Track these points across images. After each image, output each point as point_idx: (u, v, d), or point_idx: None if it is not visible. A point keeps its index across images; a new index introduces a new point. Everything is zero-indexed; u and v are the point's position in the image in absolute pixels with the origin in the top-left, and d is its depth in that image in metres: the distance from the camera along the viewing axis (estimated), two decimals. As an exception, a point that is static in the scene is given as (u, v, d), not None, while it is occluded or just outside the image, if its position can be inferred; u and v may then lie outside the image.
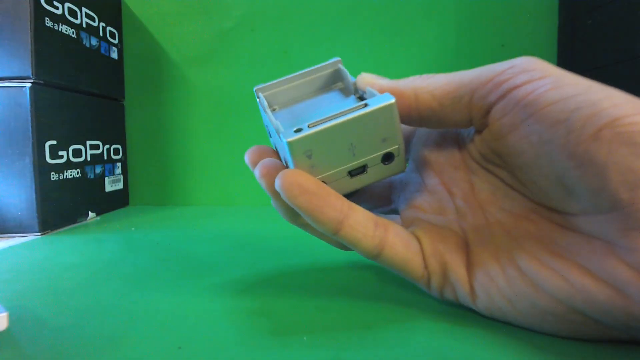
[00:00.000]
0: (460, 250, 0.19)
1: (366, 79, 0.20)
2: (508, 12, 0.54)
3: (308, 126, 0.17)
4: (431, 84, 0.18)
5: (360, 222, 0.18)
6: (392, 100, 0.17)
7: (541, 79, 0.15)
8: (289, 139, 0.17)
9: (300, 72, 0.22)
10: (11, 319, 0.19)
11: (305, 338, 0.17)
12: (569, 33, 0.52)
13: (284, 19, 0.56)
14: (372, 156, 0.18)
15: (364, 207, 0.19)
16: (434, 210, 0.20)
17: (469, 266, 0.18)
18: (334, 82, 0.23)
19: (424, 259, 0.19)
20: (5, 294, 0.23)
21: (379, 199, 0.24)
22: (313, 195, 0.17)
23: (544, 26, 0.54)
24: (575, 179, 0.14)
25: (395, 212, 0.23)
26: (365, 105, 0.17)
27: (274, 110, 0.23)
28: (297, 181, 0.17)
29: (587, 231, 0.15)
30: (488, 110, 0.17)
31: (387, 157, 0.19)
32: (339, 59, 0.22)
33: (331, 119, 0.17)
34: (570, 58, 0.52)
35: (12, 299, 0.22)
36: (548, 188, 0.16)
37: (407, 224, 0.21)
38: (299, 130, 0.17)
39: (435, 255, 0.19)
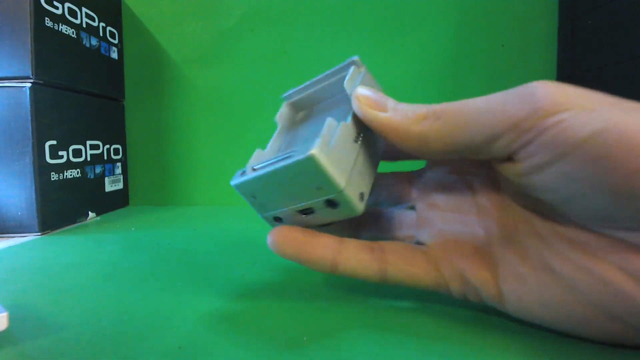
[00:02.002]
0: (478, 253, 0.18)
1: (360, 99, 0.18)
2: (508, 12, 0.54)
3: (252, 169, 0.18)
4: (442, 130, 0.16)
5: (354, 254, 0.18)
6: (310, 153, 0.15)
7: (568, 114, 0.13)
8: (233, 182, 0.19)
9: (326, 73, 0.22)
10: (11, 319, 0.19)
11: (305, 338, 0.17)
12: (569, 33, 0.52)
13: (284, 19, 0.56)
14: (312, 202, 0.17)
15: (384, 204, 0.20)
16: (452, 207, 0.19)
17: (494, 267, 0.17)
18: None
19: (436, 267, 0.18)
20: (5, 294, 0.23)
21: (398, 195, 0.23)
22: (299, 242, 0.18)
23: (544, 26, 0.54)
24: (616, 210, 0.13)
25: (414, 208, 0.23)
26: (289, 156, 0.16)
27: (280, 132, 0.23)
28: (281, 234, 0.18)
29: (622, 237, 0.14)
30: (510, 155, 0.15)
31: (330, 204, 0.17)
32: (356, 57, 0.20)
33: (268, 166, 0.17)
34: (570, 58, 0.52)
35: (12, 299, 0.22)
36: (580, 215, 0.15)
37: (421, 224, 0.20)
38: (244, 174, 0.18)
39: (449, 261, 0.18)
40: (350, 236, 0.20)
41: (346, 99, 0.20)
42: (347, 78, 0.19)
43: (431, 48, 0.55)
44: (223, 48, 0.57)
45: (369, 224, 0.23)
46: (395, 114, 0.17)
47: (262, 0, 0.56)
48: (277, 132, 0.23)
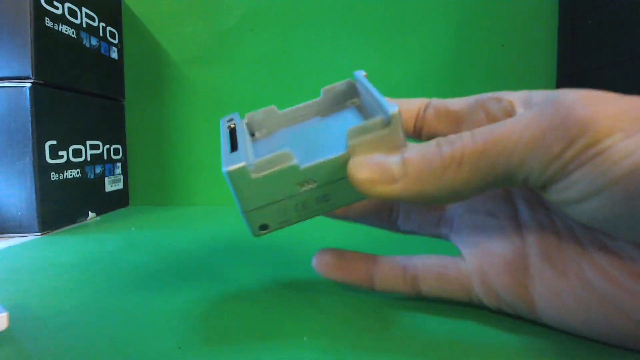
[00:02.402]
0: (514, 268, 0.17)
1: (362, 183, 0.15)
2: (508, 12, 0.54)
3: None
4: (469, 178, 0.14)
5: (387, 277, 0.20)
6: (226, 169, 0.15)
7: (610, 140, 0.12)
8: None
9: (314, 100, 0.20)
10: (11, 319, 0.19)
11: (305, 338, 0.17)
12: (569, 33, 0.52)
13: (284, 19, 0.56)
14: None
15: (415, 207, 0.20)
16: (490, 213, 0.18)
17: (530, 282, 0.16)
18: (351, 97, 0.20)
19: (470, 284, 0.18)
20: (5, 294, 0.23)
21: None
22: (337, 267, 0.20)
23: (544, 26, 0.54)
24: None
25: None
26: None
27: (254, 137, 0.20)
28: (322, 259, 0.20)
29: None
30: (545, 185, 0.14)
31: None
32: (362, 72, 0.19)
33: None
34: (570, 58, 0.52)
35: (12, 299, 0.22)
36: (626, 236, 0.14)
37: (458, 226, 0.20)
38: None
39: (484, 279, 0.18)
40: (387, 228, 0.22)
41: (342, 111, 0.19)
42: (363, 85, 0.18)
43: (431, 48, 0.55)
44: (223, 48, 0.57)
45: (406, 216, 0.22)
46: (408, 181, 0.15)
47: (262, 0, 0.56)
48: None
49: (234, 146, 0.17)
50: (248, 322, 0.19)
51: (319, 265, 0.20)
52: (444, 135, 0.18)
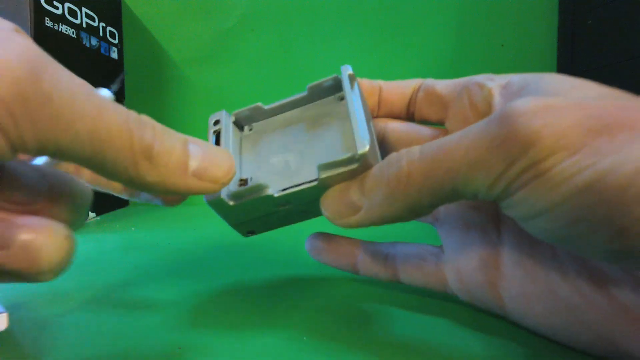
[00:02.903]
0: (488, 266, 0.17)
1: (330, 217, 0.17)
2: (508, 12, 0.54)
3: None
4: (418, 196, 0.14)
5: (371, 262, 0.21)
6: (210, 198, 0.17)
7: (554, 159, 0.11)
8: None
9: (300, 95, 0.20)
10: (11, 319, 0.19)
11: (305, 338, 0.17)
12: (569, 33, 0.52)
13: (284, 19, 0.56)
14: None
15: None
16: (474, 205, 0.18)
17: (501, 282, 0.17)
18: (337, 91, 0.20)
19: (445, 277, 0.19)
20: (5, 294, 0.23)
21: None
22: (326, 251, 0.22)
23: (544, 26, 0.54)
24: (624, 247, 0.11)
25: None
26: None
27: (243, 132, 0.21)
28: (313, 243, 0.22)
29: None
30: (496, 201, 0.14)
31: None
32: (349, 68, 0.19)
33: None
34: (570, 58, 0.52)
35: (12, 299, 0.22)
36: (582, 252, 0.13)
37: (443, 219, 0.20)
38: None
39: (460, 276, 0.18)
40: None
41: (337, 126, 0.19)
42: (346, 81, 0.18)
43: (431, 48, 0.55)
44: (223, 48, 0.57)
45: None
46: (368, 209, 0.15)
47: (262, 0, 0.56)
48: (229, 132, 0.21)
49: None
50: (248, 321, 0.19)
51: (310, 249, 0.22)
52: (433, 121, 0.19)
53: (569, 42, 0.52)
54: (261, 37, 0.57)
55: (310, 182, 0.17)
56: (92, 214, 0.48)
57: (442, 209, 0.20)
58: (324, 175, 0.16)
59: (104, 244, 0.35)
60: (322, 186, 0.16)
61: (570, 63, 0.52)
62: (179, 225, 0.44)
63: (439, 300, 0.21)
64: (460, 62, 0.55)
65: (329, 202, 0.16)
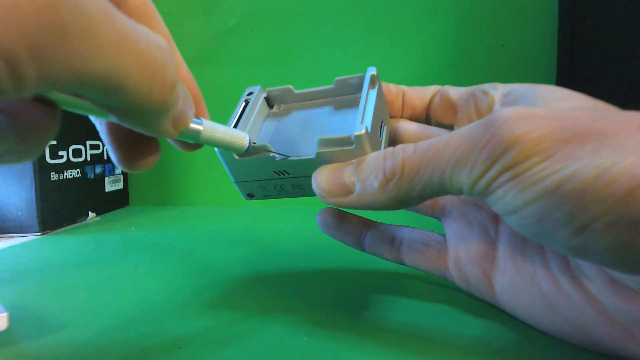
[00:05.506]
0: (484, 258, 0.19)
1: (321, 194, 0.17)
2: (508, 12, 0.54)
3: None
4: (409, 187, 0.15)
5: (378, 242, 0.22)
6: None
7: (530, 162, 0.12)
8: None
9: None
10: (11, 319, 0.19)
11: (305, 338, 0.17)
12: (569, 33, 0.52)
13: (284, 19, 0.56)
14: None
15: None
16: (476, 201, 0.20)
17: (494, 269, 0.18)
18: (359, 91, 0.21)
19: (446, 266, 0.20)
20: (5, 294, 0.23)
21: None
22: (335, 227, 0.22)
23: (544, 26, 0.54)
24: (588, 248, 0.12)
25: None
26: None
27: (272, 110, 0.23)
28: (323, 218, 0.22)
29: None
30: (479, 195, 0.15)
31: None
32: (373, 69, 0.20)
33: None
34: (570, 58, 0.52)
35: (12, 299, 0.22)
36: (560, 249, 0.14)
37: (447, 210, 0.21)
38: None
39: (458, 265, 0.20)
40: None
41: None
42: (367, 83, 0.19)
43: (431, 48, 0.55)
44: (223, 48, 0.57)
45: None
46: (360, 193, 0.16)
47: (262, 0, 0.56)
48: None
49: (238, 122, 0.20)
50: (247, 321, 0.19)
51: (321, 222, 0.22)
52: (446, 124, 0.21)
53: (569, 42, 0.52)
54: (261, 37, 0.57)
55: (308, 156, 0.18)
56: (92, 214, 0.48)
57: (447, 206, 0.22)
58: (321, 150, 0.17)
59: (104, 244, 0.35)
60: (319, 162, 0.17)
61: (570, 63, 0.52)
62: (179, 225, 0.44)
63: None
64: (461, 62, 0.54)
65: (321, 177, 0.17)
